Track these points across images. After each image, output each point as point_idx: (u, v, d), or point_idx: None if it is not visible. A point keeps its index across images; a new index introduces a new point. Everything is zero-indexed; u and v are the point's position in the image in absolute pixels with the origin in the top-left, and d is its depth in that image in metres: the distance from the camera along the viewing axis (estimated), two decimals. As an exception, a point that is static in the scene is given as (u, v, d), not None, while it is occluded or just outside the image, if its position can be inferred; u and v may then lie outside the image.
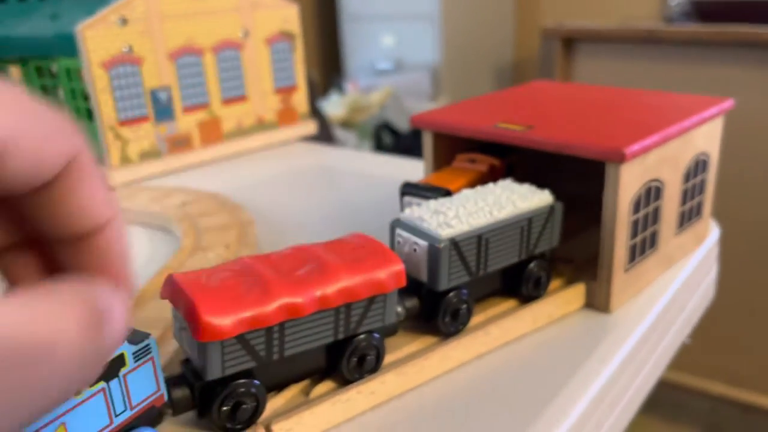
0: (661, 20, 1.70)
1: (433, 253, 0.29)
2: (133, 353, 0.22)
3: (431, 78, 2.63)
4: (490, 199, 0.31)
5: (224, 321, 0.23)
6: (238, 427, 0.25)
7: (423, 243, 0.29)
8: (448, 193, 0.34)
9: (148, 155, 0.61)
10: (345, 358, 0.27)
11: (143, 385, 0.22)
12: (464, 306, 0.30)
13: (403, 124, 2.32)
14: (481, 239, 0.30)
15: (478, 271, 0.31)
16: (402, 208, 0.35)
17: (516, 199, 0.31)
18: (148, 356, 0.22)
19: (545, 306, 0.33)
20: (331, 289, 0.25)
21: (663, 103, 0.39)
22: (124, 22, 0.57)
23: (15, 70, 0.67)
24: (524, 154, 0.41)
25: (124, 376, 0.21)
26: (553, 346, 0.32)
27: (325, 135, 0.72)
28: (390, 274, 0.27)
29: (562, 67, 1.33)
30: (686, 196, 0.38)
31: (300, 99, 0.72)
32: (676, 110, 0.36)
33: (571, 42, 1.35)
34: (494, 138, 0.35)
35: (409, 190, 0.34)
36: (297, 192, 0.57)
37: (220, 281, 0.24)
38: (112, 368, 0.21)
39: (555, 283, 0.35)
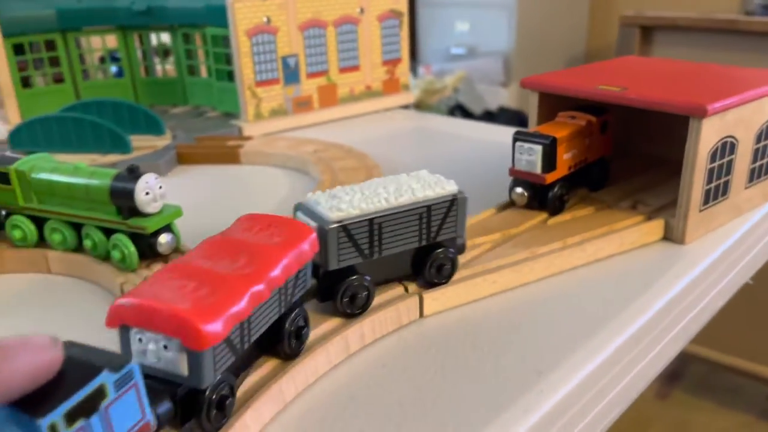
0: (741, 13, 1.70)
1: (322, 234, 0.30)
2: (115, 382, 0.19)
3: (503, 64, 2.68)
4: (392, 188, 0.33)
5: (217, 326, 0.23)
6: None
7: (314, 225, 0.31)
8: (554, 141, 0.42)
9: (276, 113, 0.71)
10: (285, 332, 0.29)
11: (127, 415, 0.20)
12: (364, 292, 0.32)
13: (475, 107, 2.38)
14: (372, 223, 0.31)
15: (372, 254, 0.32)
16: (514, 153, 0.43)
17: (417, 188, 0.33)
18: (131, 383, 0.20)
19: (631, 234, 0.41)
20: (277, 270, 0.26)
21: (741, 75, 0.45)
22: (266, -4, 0.67)
23: (164, 36, 0.78)
24: (617, 115, 0.48)
25: (106, 408, 0.19)
26: (635, 265, 0.40)
27: (411, 103, 0.78)
28: (310, 243, 0.29)
29: (640, 55, 1.37)
30: (757, 154, 0.44)
31: (403, 71, 0.81)
32: (753, 80, 0.43)
33: (649, 30, 1.38)
34: (595, 97, 0.43)
35: (521, 136, 0.43)
36: (406, 146, 0.66)
37: (180, 290, 0.24)
38: (92, 402, 0.19)
39: (639, 218, 0.42)
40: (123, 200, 0.37)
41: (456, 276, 0.36)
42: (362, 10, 0.75)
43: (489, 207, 0.45)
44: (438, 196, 0.33)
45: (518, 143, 0.43)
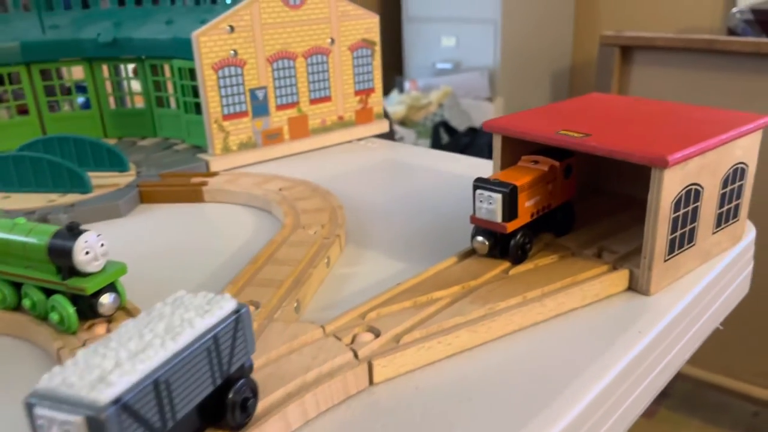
0: (723, 29, 1.71)
1: (96, 427, 0.20)
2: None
3: (489, 79, 2.68)
4: (161, 327, 0.25)
5: None
6: None
7: (76, 419, 0.21)
8: (514, 189, 0.41)
9: (245, 146, 0.70)
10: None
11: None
12: None
13: (460, 123, 2.37)
14: (158, 385, 0.23)
15: (166, 425, 0.23)
16: (474, 201, 0.42)
17: (193, 318, 0.25)
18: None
19: (594, 286, 0.39)
20: None
21: (707, 118, 0.44)
22: (231, 29, 0.65)
23: (131, 67, 0.76)
24: (582, 157, 0.47)
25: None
26: (598, 319, 0.38)
27: (386, 132, 0.77)
28: None
29: (620, 74, 1.37)
30: (724, 199, 0.43)
31: (376, 100, 0.80)
32: (717, 124, 0.42)
33: (629, 50, 1.38)
34: (556, 143, 0.41)
35: (481, 184, 0.41)
36: (375, 181, 0.65)
37: None
38: None
39: (603, 268, 0.41)
40: (61, 260, 0.36)
41: (408, 338, 0.34)
42: (333, 41, 0.74)
43: (455, 251, 0.44)
44: (221, 320, 0.26)
45: (478, 191, 0.42)
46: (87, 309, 0.36)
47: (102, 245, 0.36)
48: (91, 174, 0.63)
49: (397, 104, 2.44)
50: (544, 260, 0.43)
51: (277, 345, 0.34)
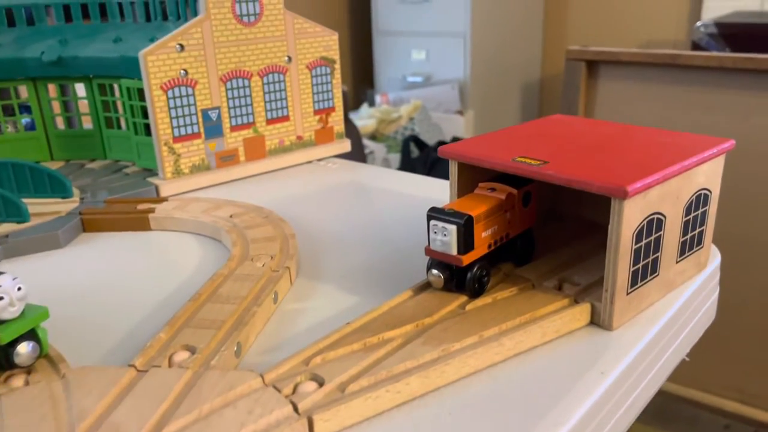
0: (688, 43, 1.72)
1: None
2: None
3: (459, 92, 2.68)
4: None
5: None
6: None
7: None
8: (469, 219, 0.38)
9: (198, 168, 0.67)
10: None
11: None
12: None
13: (430, 137, 2.36)
14: None
15: None
16: (429, 232, 0.40)
17: None
18: None
19: (554, 322, 0.37)
20: None
21: (669, 142, 0.43)
22: (181, 48, 0.63)
23: (79, 86, 0.73)
24: (540, 182, 0.45)
25: None
26: (559, 358, 0.36)
27: (355, 146, 0.75)
28: None
29: (586, 89, 1.37)
30: (687, 227, 0.42)
31: (336, 119, 0.77)
32: (679, 150, 0.40)
33: (594, 64, 1.39)
34: (512, 171, 0.39)
35: (435, 214, 0.39)
36: (332, 206, 0.62)
37: None
38: None
39: (563, 302, 0.39)
40: (-28, 307, 0.32)
41: (355, 386, 0.32)
42: (290, 59, 0.71)
43: (413, 282, 0.41)
44: None
45: (432, 222, 0.39)
46: (2, 359, 0.33)
47: (19, 289, 0.33)
48: (31, 201, 0.60)
49: (367, 118, 2.42)
50: (502, 293, 0.40)
51: (211, 398, 0.31)
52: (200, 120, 0.66)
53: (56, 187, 0.61)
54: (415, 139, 2.16)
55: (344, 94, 1.94)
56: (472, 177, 0.44)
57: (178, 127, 0.64)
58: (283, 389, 0.32)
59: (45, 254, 0.53)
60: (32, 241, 0.52)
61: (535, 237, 0.45)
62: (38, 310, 0.34)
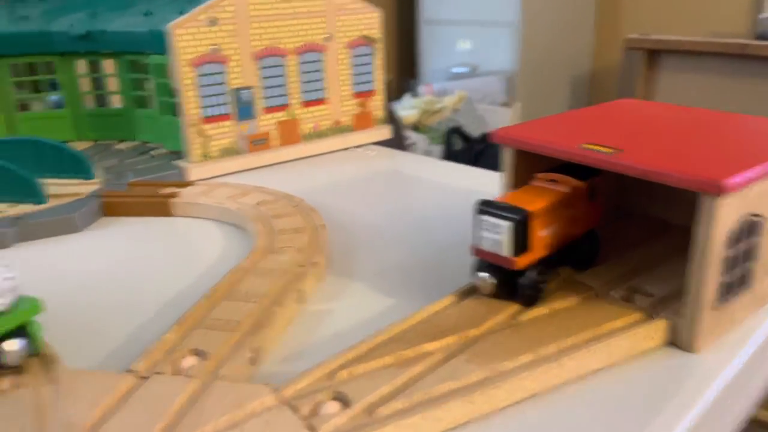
0: (749, 35, 1.61)
1: None
2: None
3: (506, 84, 2.59)
4: None
5: None
6: None
7: None
8: (526, 216, 0.33)
9: (228, 152, 0.62)
10: None
11: None
12: None
13: (474, 129, 2.29)
14: None
15: None
16: (476, 228, 0.34)
17: None
18: None
19: (623, 341, 0.31)
20: None
21: (763, 130, 0.36)
22: (213, 22, 0.58)
23: (108, 63, 0.70)
24: (608, 174, 0.39)
25: None
26: (629, 384, 0.30)
27: (396, 137, 0.71)
28: None
29: (645, 79, 1.28)
30: (786, 232, 0.35)
31: (377, 104, 0.72)
32: (781, 140, 0.34)
33: (655, 54, 1.30)
34: (580, 159, 0.34)
35: (486, 208, 0.34)
36: (368, 196, 0.57)
37: None
38: None
39: (634, 316, 0.33)
40: (-47, 298, 0.28)
41: (385, 410, 0.27)
42: (330, 37, 0.66)
43: (456, 285, 0.36)
44: None
45: (482, 217, 0.34)
46: (-12, 358, 0.29)
47: (8, 279, 0.29)
48: (52, 182, 0.57)
49: (409, 108, 2.36)
50: (561, 302, 0.35)
51: (216, 416, 0.26)
52: (231, 100, 0.61)
53: (78, 168, 0.57)
54: (459, 131, 2.09)
55: (386, 82, 1.89)
56: (526, 167, 0.38)
57: (208, 107, 0.60)
58: (300, 409, 0.27)
59: (60, 239, 0.49)
60: (47, 224, 0.49)
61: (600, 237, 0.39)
62: (29, 303, 0.30)
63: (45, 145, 0.57)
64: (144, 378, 0.29)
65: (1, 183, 0.52)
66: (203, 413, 0.26)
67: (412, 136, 2.18)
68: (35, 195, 0.52)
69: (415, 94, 2.64)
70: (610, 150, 0.33)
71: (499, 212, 0.33)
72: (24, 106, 0.70)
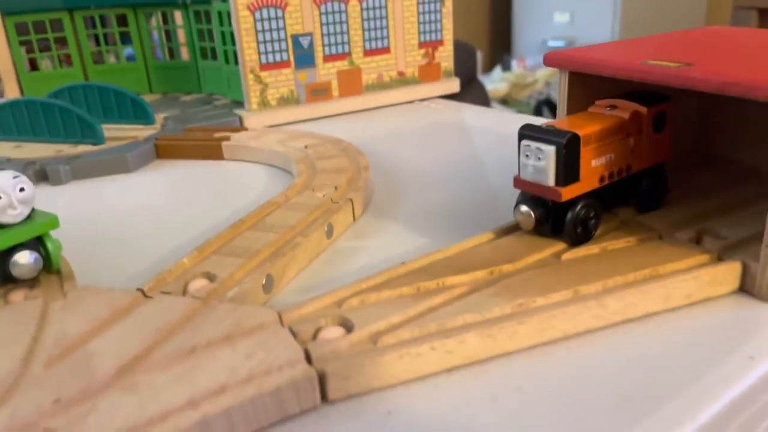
0: None
1: None
2: None
3: (606, 57, 2.45)
4: None
5: None
6: None
7: None
8: (574, 139, 0.29)
9: (286, 101, 0.61)
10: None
11: None
12: None
13: (568, 104, 2.18)
14: None
15: None
16: (519, 157, 0.30)
17: None
18: None
19: (685, 282, 0.27)
20: None
21: None
22: (271, -36, 0.57)
23: (177, 14, 0.70)
24: (688, 105, 0.34)
25: None
26: (687, 332, 0.26)
27: (455, 93, 0.67)
28: None
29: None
30: None
31: (445, 55, 0.68)
32: None
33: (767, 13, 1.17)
34: (639, 75, 0.29)
35: (528, 132, 0.30)
36: (424, 144, 0.54)
37: None
38: None
39: (701, 258, 0.28)
40: (-33, 206, 0.28)
41: (391, 338, 0.24)
42: (394, -18, 0.63)
43: (490, 228, 0.32)
44: None
45: (524, 142, 0.30)
46: (5, 269, 0.29)
47: (22, 189, 0.29)
48: (114, 126, 0.57)
49: (498, 81, 2.29)
50: (616, 243, 0.30)
51: (210, 335, 0.24)
52: (290, 47, 0.60)
53: (139, 113, 0.58)
54: (549, 103, 2.00)
55: (472, 50, 1.83)
56: (587, 94, 0.34)
57: (266, 53, 0.59)
58: (299, 333, 0.24)
59: (112, 178, 0.49)
60: (101, 162, 0.49)
61: (669, 177, 0.34)
62: (47, 217, 0.30)
63: (109, 90, 0.57)
64: (149, 297, 0.28)
65: (63, 124, 0.53)
66: (197, 332, 0.25)
67: (498, 109, 2.11)
68: (94, 136, 0.52)
69: (505, 68, 2.55)
70: (678, 63, 0.28)
71: (544, 136, 0.29)
72: (97, 59, 0.72)
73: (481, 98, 1.80)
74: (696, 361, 0.24)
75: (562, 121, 0.31)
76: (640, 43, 0.34)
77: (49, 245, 0.30)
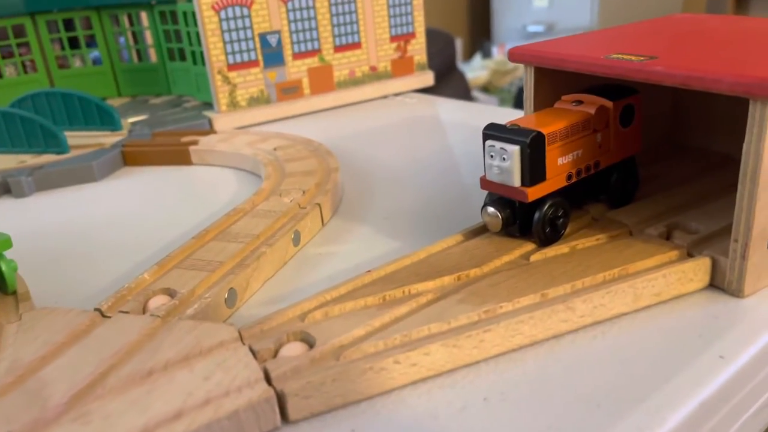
0: None
1: None
2: None
3: (586, 41, 2.45)
4: None
5: None
6: None
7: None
8: (538, 138, 0.28)
9: (256, 101, 0.60)
10: None
11: None
12: None
13: (548, 89, 2.18)
14: None
15: None
16: (485, 157, 0.30)
17: None
18: None
19: (654, 281, 0.26)
20: None
21: None
22: (234, -39, 0.55)
23: (143, 15, 0.68)
24: (656, 98, 0.33)
25: None
26: (657, 333, 0.25)
27: (462, 99, 0.67)
28: None
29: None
30: None
31: (418, 48, 0.67)
32: None
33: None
34: (602, 70, 0.28)
35: (492, 132, 0.29)
36: (396, 142, 0.53)
37: None
38: None
39: (671, 254, 0.28)
40: None
41: (354, 352, 0.23)
42: (362, -24, 0.62)
43: (460, 230, 0.32)
44: None
45: (488, 143, 0.29)
46: (-47, 294, 0.28)
47: (-30, 211, 0.28)
48: (80, 134, 0.56)
49: (479, 69, 2.28)
50: (585, 241, 0.30)
51: (167, 356, 0.24)
52: (258, 45, 0.59)
53: (106, 119, 0.56)
54: (530, 90, 1.99)
55: (451, 38, 1.81)
56: (553, 90, 0.33)
57: (233, 53, 0.58)
58: (259, 351, 0.24)
59: (78, 187, 0.48)
60: (65, 172, 0.48)
61: (640, 171, 0.34)
62: (-2, 238, 0.29)
63: (73, 97, 0.56)
64: (107, 317, 0.27)
65: (25, 133, 0.51)
66: (154, 354, 0.24)
67: (480, 97, 2.10)
68: (58, 145, 0.51)
69: (486, 55, 2.54)
70: (642, 57, 0.28)
71: (507, 135, 0.29)
72: (63, 64, 0.70)
73: (461, 88, 1.79)
74: (666, 363, 0.23)
75: (526, 118, 0.30)
76: (608, 34, 0.34)
77: (3, 266, 0.29)
